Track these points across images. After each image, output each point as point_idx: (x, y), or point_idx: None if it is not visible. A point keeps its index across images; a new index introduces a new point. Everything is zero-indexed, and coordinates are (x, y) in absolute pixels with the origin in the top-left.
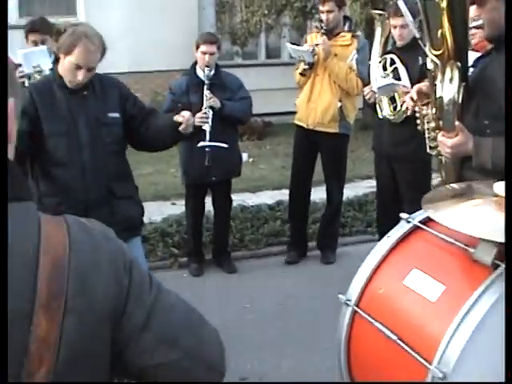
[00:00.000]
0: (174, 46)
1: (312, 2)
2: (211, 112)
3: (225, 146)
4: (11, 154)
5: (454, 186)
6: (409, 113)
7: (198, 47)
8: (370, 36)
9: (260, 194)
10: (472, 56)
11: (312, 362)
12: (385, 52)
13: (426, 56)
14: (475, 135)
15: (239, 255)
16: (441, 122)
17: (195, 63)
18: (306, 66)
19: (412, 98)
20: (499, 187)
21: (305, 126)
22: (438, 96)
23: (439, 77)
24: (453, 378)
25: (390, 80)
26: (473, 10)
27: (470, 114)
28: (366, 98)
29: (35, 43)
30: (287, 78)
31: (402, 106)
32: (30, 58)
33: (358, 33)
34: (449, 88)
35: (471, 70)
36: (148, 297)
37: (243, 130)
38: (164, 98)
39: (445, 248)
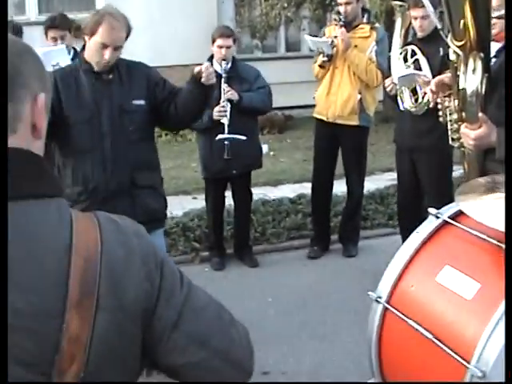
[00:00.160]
0: (193, 40)
1: None
2: (229, 105)
3: (243, 138)
4: (41, 150)
5: (487, 179)
6: (431, 105)
7: (213, 41)
8: (390, 27)
9: (281, 188)
10: (493, 47)
11: (334, 356)
12: (405, 43)
13: (448, 47)
14: (498, 126)
15: (261, 249)
16: (463, 114)
17: (211, 57)
18: (325, 58)
19: (432, 90)
20: None
21: (324, 119)
22: (460, 87)
23: (462, 68)
24: (492, 377)
25: (411, 70)
26: (494, 0)
27: (492, 105)
28: (387, 89)
29: (55, 39)
30: (307, 71)
31: (423, 97)
32: (49, 56)
33: (377, 25)
34: (472, 79)
35: (493, 60)
36: (179, 296)
37: (263, 123)
38: None
39: (477, 244)
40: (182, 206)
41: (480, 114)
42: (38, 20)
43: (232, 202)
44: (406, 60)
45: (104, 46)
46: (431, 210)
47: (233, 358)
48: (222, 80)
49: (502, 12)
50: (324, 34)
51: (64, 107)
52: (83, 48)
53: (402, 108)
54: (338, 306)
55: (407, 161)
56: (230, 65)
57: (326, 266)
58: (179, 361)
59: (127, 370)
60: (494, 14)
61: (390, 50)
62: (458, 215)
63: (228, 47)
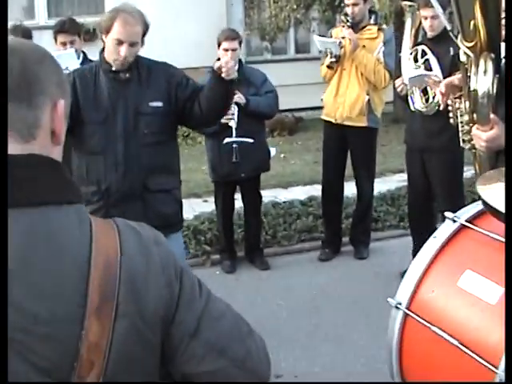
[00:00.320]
0: (202, 43)
1: None
2: (236, 108)
3: (251, 141)
4: (60, 156)
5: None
6: (441, 108)
7: (219, 44)
8: (399, 28)
9: (292, 190)
10: (504, 47)
11: (347, 359)
12: (416, 44)
13: (458, 47)
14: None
15: (272, 252)
16: (475, 115)
17: (218, 60)
18: (333, 59)
19: (441, 92)
20: None
21: (333, 120)
22: (472, 89)
23: (473, 69)
24: None
25: (422, 71)
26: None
27: (503, 106)
28: (398, 90)
29: (64, 44)
30: (317, 73)
31: (434, 98)
32: (58, 60)
33: (384, 26)
34: (483, 80)
35: (503, 61)
36: (198, 304)
37: (274, 125)
38: None
39: (498, 248)
40: (193, 209)
41: (492, 116)
42: (47, 24)
43: (242, 205)
44: (416, 60)
45: (119, 42)
46: (448, 214)
47: (250, 367)
48: None
49: None
50: (331, 36)
51: (81, 107)
52: (103, 49)
53: (412, 108)
54: (349, 308)
55: (418, 162)
56: (236, 68)
57: (337, 269)
58: (197, 369)
59: (145, 377)
60: (504, 14)
61: (400, 51)
62: (475, 218)
63: (234, 50)
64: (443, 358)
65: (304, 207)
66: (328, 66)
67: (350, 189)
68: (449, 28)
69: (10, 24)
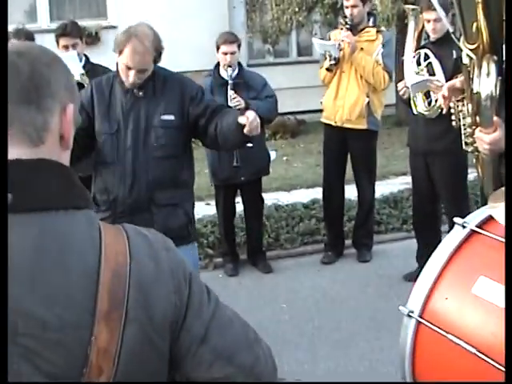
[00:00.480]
0: (205, 46)
1: None
2: None
3: (250, 144)
4: (68, 161)
5: None
6: (444, 111)
7: (218, 48)
8: (402, 31)
9: (294, 193)
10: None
11: (349, 362)
12: (418, 47)
13: (461, 50)
14: None
15: (274, 255)
16: (478, 118)
17: (218, 64)
18: (333, 61)
19: (444, 96)
20: None
21: (332, 123)
22: (474, 91)
23: (475, 71)
24: None
25: (423, 76)
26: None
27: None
28: (400, 93)
29: (66, 47)
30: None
31: (436, 100)
32: None
33: (383, 28)
34: (486, 83)
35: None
36: (207, 310)
37: (276, 128)
38: None
39: None
40: (196, 212)
41: (495, 118)
42: (49, 28)
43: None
44: (419, 63)
45: (128, 68)
46: (457, 220)
47: (257, 375)
48: (229, 87)
49: None
50: (330, 38)
51: (96, 116)
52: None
53: (415, 112)
54: (352, 311)
55: (422, 165)
56: (236, 71)
57: (340, 272)
58: (205, 376)
59: (154, 381)
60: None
61: (402, 54)
62: (485, 223)
63: (232, 53)
64: (460, 365)
65: (307, 210)
66: (327, 69)
67: (351, 192)
68: (451, 30)
69: (12, 27)
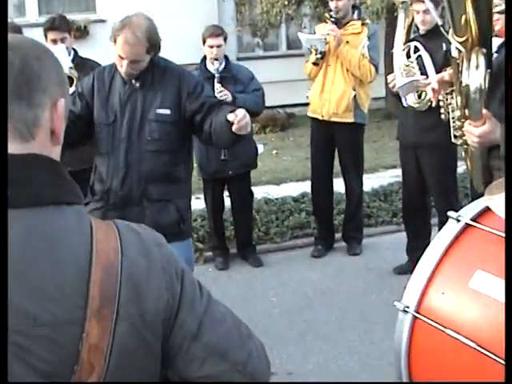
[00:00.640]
0: (194, 39)
1: None
2: None
3: None
4: (59, 156)
5: None
6: (433, 104)
7: (204, 41)
8: (391, 24)
9: (284, 186)
10: (495, 42)
11: (339, 355)
12: (408, 40)
13: (450, 43)
14: (502, 123)
15: (264, 248)
16: (467, 111)
17: (205, 57)
18: (319, 56)
19: (433, 89)
20: None
21: (319, 117)
22: (464, 84)
23: (464, 64)
24: None
25: (409, 78)
26: None
27: (495, 101)
28: (390, 86)
29: (54, 41)
30: None
31: (426, 93)
32: None
33: (367, 21)
34: (475, 75)
35: (494, 55)
36: (199, 306)
37: (266, 122)
38: None
39: None
40: None
41: (484, 111)
42: (37, 22)
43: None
44: (408, 56)
45: (121, 58)
46: (451, 214)
47: (251, 371)
48: (215, 80)
49: (504, 7)
50: (315, 32)
51: (95, 105)
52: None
53: (405, 104)
54: (342, 304)
55: (411, 158)
56: (223, 65)
57: (330, 265)
58: (198, 372)
59: (146, 380)
60: (496, 8)
61: (392, 47)
62: (479, 216)
63: (219, 46)
64: (459, 360)
65: (296, 204)
66: (314, 63)
67: (341, 185)
68: (440, 23)
69: None
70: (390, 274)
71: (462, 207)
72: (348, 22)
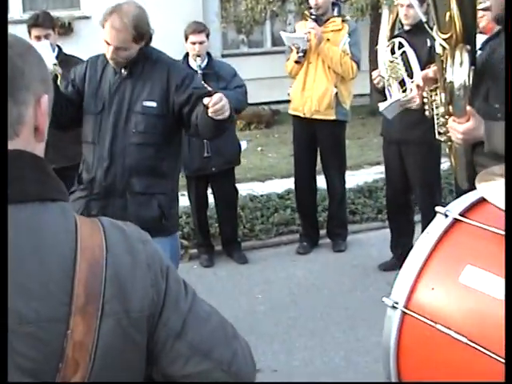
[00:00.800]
0: (179, 36)
1: None
2: None
3: None
4: (43, 152)
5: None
6: (418, 101)
7: (186, 38)
8: (376, 20)
9: (269, 183)
10: (479, 39)
11: (325, 352)
12: (392, 36)
13: (435, 39)
14: (486, 119)
15: (249, 245)
16: (451, 108)
17: (187, 54)
18: (301, 54)
19: (418, 86)
20: None
21: (301, 115)
22: (448, 81)
23: (448, 61)
24: None
25: (391, 100)
26: None
27: (479, 98)
28: (375, 82)
29: (38, 38)
30: None
31: (411, 90)
32: None
33: (347, 17)
34: (459, 72)
35: (479, 52)
36: (184, 304)
37: (251, 118)
38: None
39: (497, 240)
40: None
41: (468, 108)
42: (21, 18)
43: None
44: (393, 52)
45: (107, 43)
46: (439, 209)
47: (235, 370)
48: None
49: (488, 3)
50: (295, 30)
51: (85, 94)
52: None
53: None
54: (327, 301)
55: (395, 154)
56: (205, 61)
57: (315, 262)
58: (182, 371)
59: (131, 377)
60: (480, 5)
61: (376, 43)
62: (468, 211)
63: (201, 43)
64: (450, 355)
65: (281, 200)
66: (296, 62)
67: (325, 182)
68: (424, 20)
69: None
70: (375, 270)
71: (446, 204)
72: (328, 19)
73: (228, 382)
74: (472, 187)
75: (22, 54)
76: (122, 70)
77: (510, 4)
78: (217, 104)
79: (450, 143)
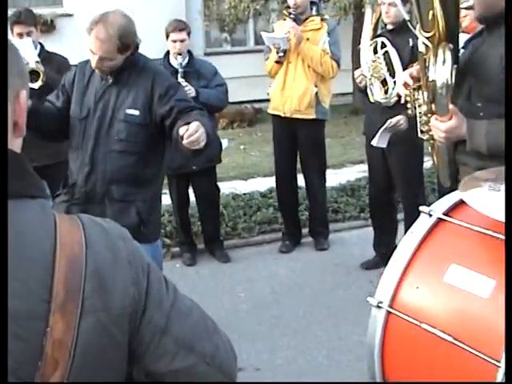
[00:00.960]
0: (161, 34)
1: None
2: None
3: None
4: (20, 148)
5: (488, 172)
6: (402, 100)
7: (167, 36)
8: (359, 20)
9: (252, 182)
10: (462, 38)
11: (308, 351)
12: (375, 35)
13: (417, 38)
14: (468, 118)
15: (232, 244)
16: (433, 106)
17: (168, 52)
18: (282, 54)
19: (406, 84)
20: None
21: (281, 114)
22: (430, 79)
23: (431, 59)
24: None
25: (379, 131)
26: None
27: (462, 96)
28: (357, 81)
29: (20, 35)
30: None
31: (393, 89)
32: None
33: (326, 16)
34: (442, 71)
35: (461, 51)
36: (166, 301)
37: (234, 117)
38: None
39: (481, 240)
40: None
41: (450, 106)
42: None
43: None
44: (375, 52)
45: (92, 52)
46: (423, 208)
47: (218, 363)
48: (179, 75)
49: (471, 3)
50: (274, 30)
51: (72, 99)
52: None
53: (372, 100)
54: (310, 300)
55: (378, 153)
56: (186, 59)
57: (297, 260)
58: (169, 367)
59: (112, 376)
60: (463, 4)
61: (359, 43)
62: (451, 210)
63: (182, 41)
64: (435, 354)
65: (264, 199)
66: (277, 62)
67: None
68: (407, 18)
69: None
70: (358, 269)
71: (428, 202)
72: (307, 18)
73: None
74: (454, 185)
75: None
76: (108, 77)
77: (510, 4)
78: (192, 136)
79: (432, 142)
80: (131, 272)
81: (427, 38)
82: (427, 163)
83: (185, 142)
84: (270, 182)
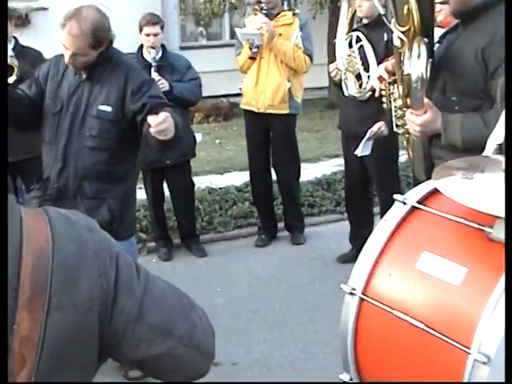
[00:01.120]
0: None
1: None
2: None
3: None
4: None
5: (460, 161)
6: (376, 94)
7: (141, 30)
8: (335, 14)
9: (227, 176)
10: (437, 32)
11: (284, 345)
12: (351, 29)
13: (392, 33)
14: (443, 112)
15: (208, 238)
16: (408, 100)
17: (141, 46)
18: (255, 49)
19: (381, 78)
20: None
21: (255, 109)
22: (405, 73)
23: (406, 53)
24: (496, 361)
25: (363, 140)
26: None
27: (437, 90)
28: (332, 75)
29: None
30: None
31: (367, 83)
32: None
33: (297, 11)
34: (417, 64)
35: (436, 45)
36: (138, 287)
37: (209, 111)
38: None
39: (454, 228)
40: None
41: (425, 100)
42: None
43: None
44: (350, 46)
45: (65, 47)
46: (397, 197)
47: (197, 342)
48: (152, 69)
49: None
50: (245, 25)
51: (46, 93)
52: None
53: (346, 94)
54: (286, 294)
55: (353, 147)
56: (160, 53)
57: (274, 254)
58: (147, 353)
59: (81, 371)
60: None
61: (335, 37)
62: (426, 199)
63: (155, 35)
64: (407, 341)
65: (240, 193)
66: (250, 58)
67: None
68: (382, 13)
69: None
70: (334, 262)
71: None
72: (279, 13)
73: None
74: (429, 179)
75: None
76: (82, 72)
77: (510, 4)
78: (160, 125)
79: (407, 135)
80: (98, 263)
81: (402, 32)
82: (402, 157)
83: (152, 130)
84: (245, 177)
